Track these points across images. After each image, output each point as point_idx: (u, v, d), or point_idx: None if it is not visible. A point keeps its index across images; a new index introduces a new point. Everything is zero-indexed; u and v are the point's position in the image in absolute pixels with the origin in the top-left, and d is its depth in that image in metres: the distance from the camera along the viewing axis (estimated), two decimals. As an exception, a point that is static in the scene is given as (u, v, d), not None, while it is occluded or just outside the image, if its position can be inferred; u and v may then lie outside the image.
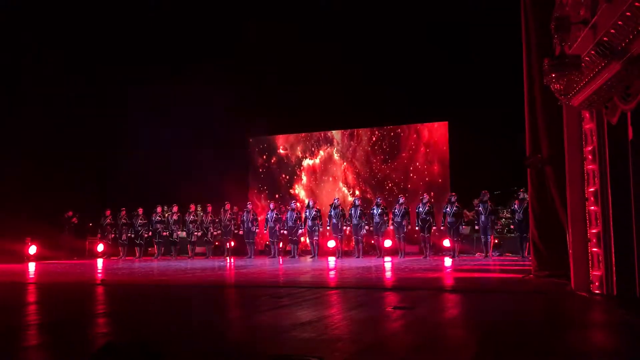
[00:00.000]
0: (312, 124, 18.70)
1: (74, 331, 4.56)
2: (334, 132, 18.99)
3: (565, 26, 4.99)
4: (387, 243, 15.14)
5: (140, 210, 16.63)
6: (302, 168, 19.28)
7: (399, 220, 14.47)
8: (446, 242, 15.08)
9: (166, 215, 16.46)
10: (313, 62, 16.67)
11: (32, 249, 15.58)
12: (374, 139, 18.46)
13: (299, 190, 19.16)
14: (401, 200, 14.85)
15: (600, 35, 4.31)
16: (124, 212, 16.65)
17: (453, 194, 14.64)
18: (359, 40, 16.32)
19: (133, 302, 6.58)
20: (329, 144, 19.06)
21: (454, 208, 14.05)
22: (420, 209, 14.48)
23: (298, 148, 19.45)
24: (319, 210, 15.48)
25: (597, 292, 5.76)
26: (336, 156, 18.89)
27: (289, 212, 15.80)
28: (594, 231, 5.80)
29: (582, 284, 6.05)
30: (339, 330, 4.30)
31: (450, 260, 13.16)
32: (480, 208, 13.77)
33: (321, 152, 19.11)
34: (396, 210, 14.65)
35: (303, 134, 19.38)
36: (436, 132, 17.63)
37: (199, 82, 16.71)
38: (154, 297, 7.11)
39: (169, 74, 16.80)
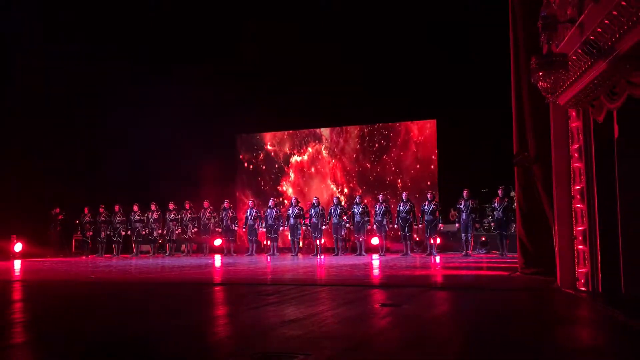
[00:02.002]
0: (300, 121, 18.69)
1: (60, 329, 4.52)
2: (322, 129, 18.98)
3: (553, 25, 5.01)
4: (375, 241, 15.16)
5: (117, 208, 16.45)
6: (290, 165, 19.26)
7: (379, 218, 14.51)
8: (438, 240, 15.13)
9: (146, 213, 16.28)
10: (304, 60, 16.68)
11: (18, 247, 15.45)
12: (363, 136, 18.46)
13: (287, 187, 19.14)
14: (381, 199, 14.85)
15: (587, 34, 4.33)
16: (102, 209, 16.45)
17: (430, 191, 14.84)
18: (348, 41, 16.30)
19: (120, 300, 6.54)
20: (317, 141, 19.04)
21: (432, 206, 14.11)
22: (401, 207, 14.47)
23: (286, 145, 19.43)
24: (302, 209, 15.40)
25: (583, 289, 5.80)
26: (324, 153, 18.88)
27: (268, 210, 15.68)
28: (580, 229, 5.84)
29: (568, 281, 6.09)
30: (326, 327, 4.29)
31: (432, 257, 13.23)
32: (462, 206, 13.75)
33: (309, 149, 19.09)
34: (377, 209, 14.67)
35: (291, 131, 19.37)
36: (425, 130, 17.66)
37: (187, 81, 16.66)
38: (140, 295, 7.07)
39: (157, 72, 16.70)
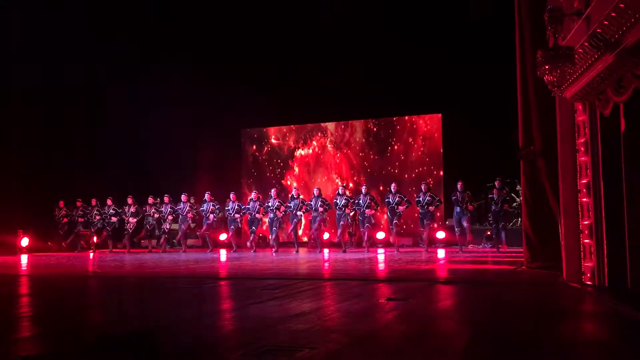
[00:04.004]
0: (305, 116, 18.69)
1: (66, 322, 4.55)
2: (327, 123, 18.97)
3: (559, 18, 4.99)
4: (380, 235, 15.07)
5: (94, 202, 15.96)
6: (294, 159, 19.25)
7: (363, 210, 13.64)
8: (440, 234, 15.05)
9: (125, 207, 15.73)
10: (307, 55, 16.68)
11: (25, 241, 15.52)
12: (368, 130, 18.45)
13: (291, 182, 19.14)
14: (364, 190, 13.92)
15: (594, 27, 4.31)
16: (79, 203, 16.00)
17: (424, 182, 14.12)
18: (355, 36, 16.27)
19: (125, 294, 6.57)
20: (322, 135, 19.03)
21: (427, 197, 13.34)
22: (390, 199, 13.57)
23: (291, 139, 19.43)
24: (282, 202, 14.49)
25: (588, 283, 5.79)
26: (329, 147, 18.87)
27: (250, 203, 14.69)
28: (586, 223, 5.83)
29: (574, 275, 6.08)
30: (332, 321, 4.30)
31: (434, 250, 12.98)
32: (459, 198, 13.05)
33: (314, 143, 19.08)
34: (360, 201, 13.74)
35: (296, 125, 19.36)
36: (430, 124, 17.63)
37: (192, 75, 16.67)
38: (145, 289, 7.10)
39: (159, 70, 16.70)
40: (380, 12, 16.10)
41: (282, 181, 19.24)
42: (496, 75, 11.84)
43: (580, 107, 5.87)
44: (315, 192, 14.30)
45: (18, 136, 16.20)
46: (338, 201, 13.96)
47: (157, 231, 15.59)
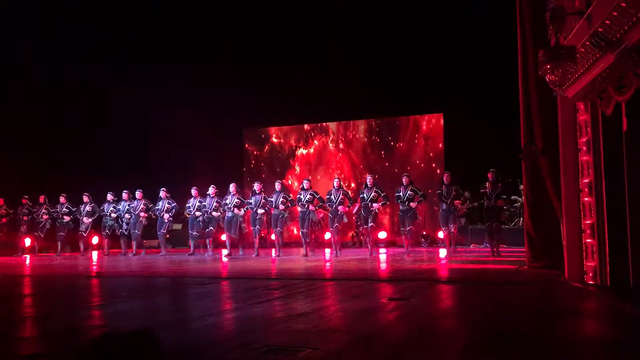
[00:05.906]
0: (306, 116, 18.69)
1: (69, 323, 4.54)
2: (329, 122, 18.98)
3: (561, 17, 4.99)
4: (382, 235, 14.91)
5: (42, 199, 14.62)
6: (295, 158, 19.25)
7: (334, 208, 11.78)
8: (441, 234, 14.96)
9: (80, 206, 14.42)
10: (308, 55, 16.68)
11: (27, 242, 15.50)
12: (370, 129, 18.46)
13: (292, 181, 19.14)
14: (336, 184, 11.96)
15: (596, 27, 4.30)
16: (25, 201, 14.91)
17: (406, 175, 12.10)
18: (355, 36, 16.27)
19: (125, 294, 6.56)
20: (323, 134, 19.03)
21: (408, 192, 11.49)
22: (365, 194, 11.74)
23: (292, 138, 19.44)
24: (242, 199, 12.88)
25: (591, 282, 5.79)
26: (331, 146, 18.87)
27: (207, 199, 13.04)
28: (588, 222, 5.82)
29: (576, 275, 6.08)
30: (333, 321, 4.30)
31: (408, 255, 11.29)
32: (444, 192, 11.25)
33: (315, 142, 19.08)
34: (332, 196, 11.80)
35: (298, 125, 19.38)
36: (431, 124, 17.63)
37: (192, 75, 16.67)
38: (146, 289, 7.09)
39: (161, 70, 16.70)
40: (380, 12, 16.09)
41: (283, 180, 19.23)
42: (498, 74, 11.82)
43: (582, 106, 5.86)
44: (276, 187, 12.53)
45: (18, 136, 16.21)
46: (302, 197, 11.99)
47: (117, 231, 14.07)
